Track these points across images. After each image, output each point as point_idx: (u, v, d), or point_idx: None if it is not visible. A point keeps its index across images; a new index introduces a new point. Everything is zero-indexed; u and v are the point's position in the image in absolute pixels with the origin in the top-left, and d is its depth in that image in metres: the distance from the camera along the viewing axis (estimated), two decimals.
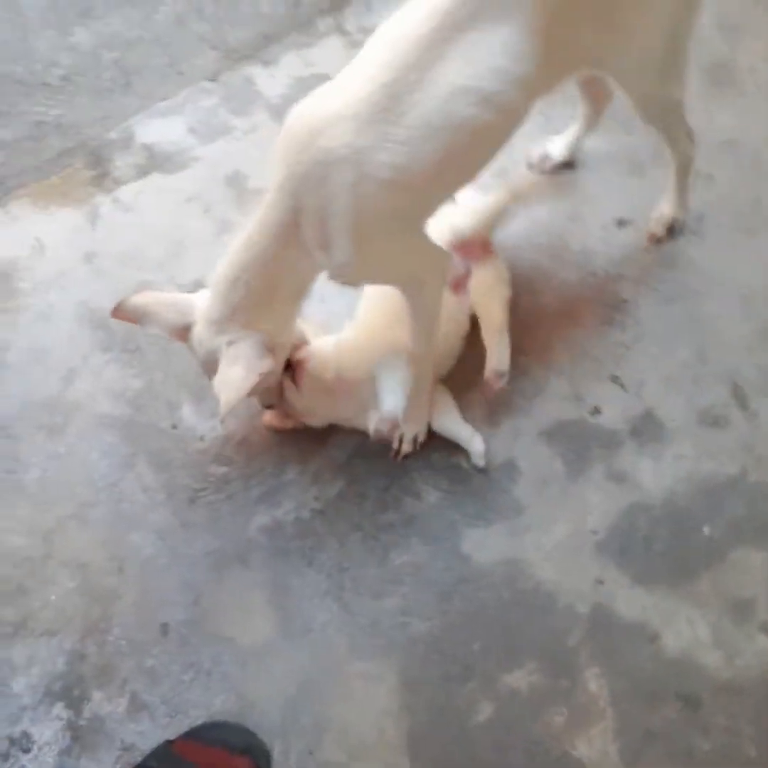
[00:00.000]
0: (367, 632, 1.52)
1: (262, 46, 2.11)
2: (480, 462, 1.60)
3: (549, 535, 1.58)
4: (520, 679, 1.48)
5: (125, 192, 1.97)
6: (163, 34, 2.17)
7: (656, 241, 1.75)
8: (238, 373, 1.33)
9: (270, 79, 2.07)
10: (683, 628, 1.50)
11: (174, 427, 1.71)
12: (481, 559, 1.57)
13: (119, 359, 1.79)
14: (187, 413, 1.72)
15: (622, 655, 1.49)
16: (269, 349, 1.38)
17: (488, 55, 1.18)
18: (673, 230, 1.76)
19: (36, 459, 1.70)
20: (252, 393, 1.39)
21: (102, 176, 2.00)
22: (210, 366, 1.41)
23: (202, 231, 1.89)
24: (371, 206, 1.23)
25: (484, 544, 1.58)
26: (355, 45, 2.07)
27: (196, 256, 1.86)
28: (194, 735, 1.42)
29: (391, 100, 1.19)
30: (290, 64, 2.08)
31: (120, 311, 1.49)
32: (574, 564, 1.55)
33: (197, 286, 1.82)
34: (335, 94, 1.25)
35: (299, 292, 1.41)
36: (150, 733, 1.46)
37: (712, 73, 1.93)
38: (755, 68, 1.93)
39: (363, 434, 1.61)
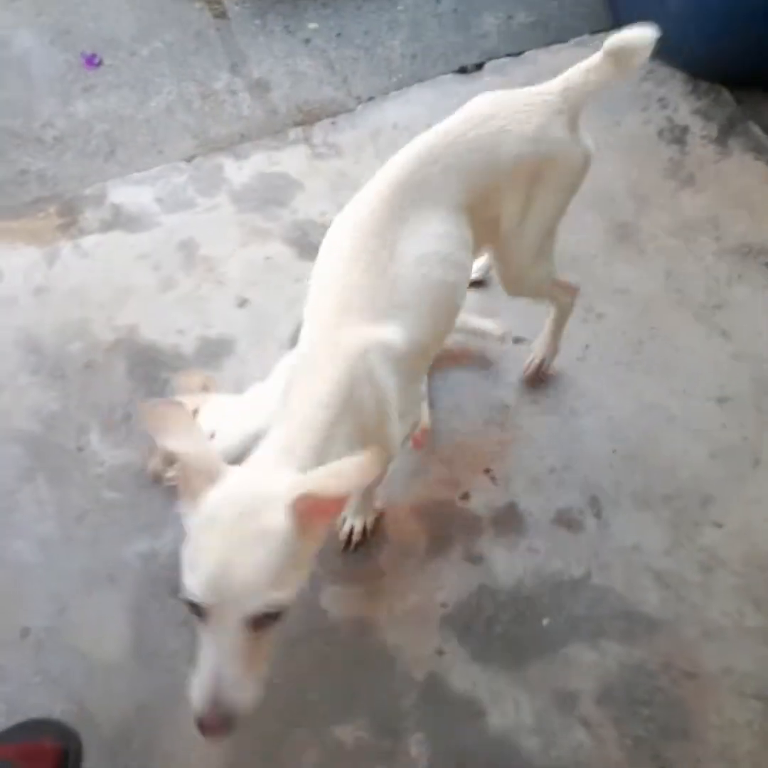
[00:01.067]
0: None
1: (236, 142, 2.38)
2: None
3: (402, 601, 1.69)
4: (348, 732, 1.55)
5: (87, 241, 2.17)
6: (152, 117, 2.44)
7: (527, 372, 1.97)
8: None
9: (237, 170, 2.32)
10: (509, 709, 1.59)
11: (79, 449, 1.84)
12: (336, 615, 1.67)
13: (43, 383, 1.93)
14: (95, 439, 1.85)
15: (447, 726, 1.57)
16: None
17: (437, 227, 1.40)
18: (540, 368, 1.96)
19: None
20: None
21: (69, 224, 2.20)
22: None
23: (147, 284, 2.09)
24: (405, 376, 1.36)
25: (341, 601, 1.68)
26: (319, 157, 2.35)
27: (137, 305, 2.05)
28: (4, 738, 1.47)
29: (377, 278, 1.31)
30: (258, 161, 2.34)
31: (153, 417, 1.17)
32: (420, 632, 1.66)
33: (129, 329, 2.00)
34: (334, 294, 1.31)
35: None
36: None
37: (618, 231, 2.20)
38: (656, 235, 2.21)
39: None
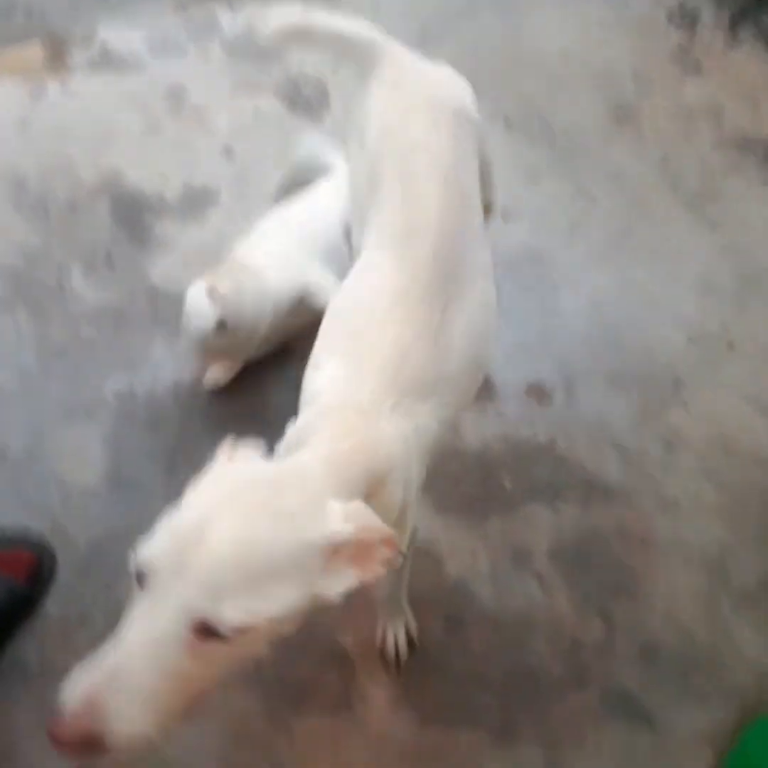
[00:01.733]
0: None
1: None
2: None
3: None
4: None
5: (74, 79, 2.12)
6: None
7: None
8: None
9: (231, 20, 2.24)
10: (466, 559, 1.65)
11: (61, 287, 1.83)
12: None
13: (26, 218, 1.91)
14: (76, 278, 1.84)
15: None
16: None
17: (481, 296, 1.18)
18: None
19: None
20: None
21: (56, 62, 2.14)
22: None
23: (133, 128, 2.05)
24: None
25: None
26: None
27: (122, 148, 2.02)
28: None
29: (429, 348, 1.08)
30: (253, 12, 2.26)
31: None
32: None
33: (113, 172, 1.97)
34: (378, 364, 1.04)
35: None
36: None
37: (617, 113, 2.18)
38: (655, 120, 2.18)
39: None
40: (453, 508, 1.70)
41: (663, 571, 1.64)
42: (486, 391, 1.81)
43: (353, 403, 1.01)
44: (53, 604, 1.52)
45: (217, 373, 1.76)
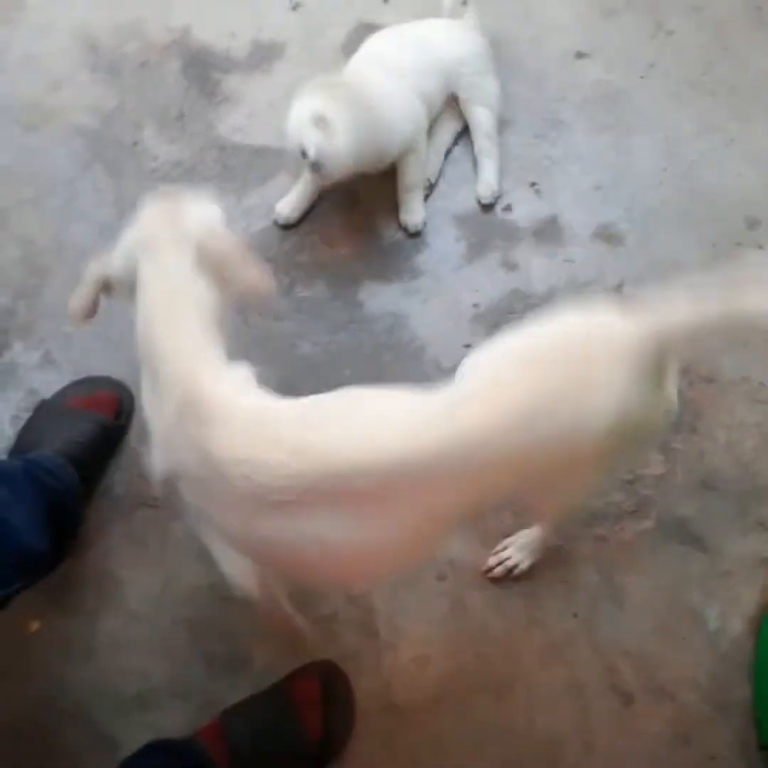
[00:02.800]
0: (260, 344, 1.72)
1: None
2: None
3: (435, 300, 1.76)
4: None
5: None
6: None
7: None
8: None
9: None
10: None
11: (135, 144, 1.90)
12: (372, 308, 1.76)
13: (102, 79, 1.97)
14: (149, 135, 1.90)
15: None
16: None
17: None
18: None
19: (8, 148, 1.90)
20: None
21: None
22: None
23: None
24: None
25: (378, 296, 1.77)
26: None
27: (190, 6, 2.04)
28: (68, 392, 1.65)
29: None
30: None
31: None
32: (450, 327, 1.73)
33: (182, 30, 2.00)
34: None
35: None
36: (54, 385, 1.69)
37: None
38: None
39: None
40: None
41: (725, 406, 1.63)
42: (554, 235, 1.80)
43: None
44: (139, 442, 1.63)
45: (288, 207, 1.78)
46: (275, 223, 1.81)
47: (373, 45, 1.75)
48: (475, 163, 1.84)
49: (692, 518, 1.55)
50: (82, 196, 1.86)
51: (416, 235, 1.80)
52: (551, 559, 1.52)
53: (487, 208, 1.82)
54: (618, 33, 1.97)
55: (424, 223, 1.80)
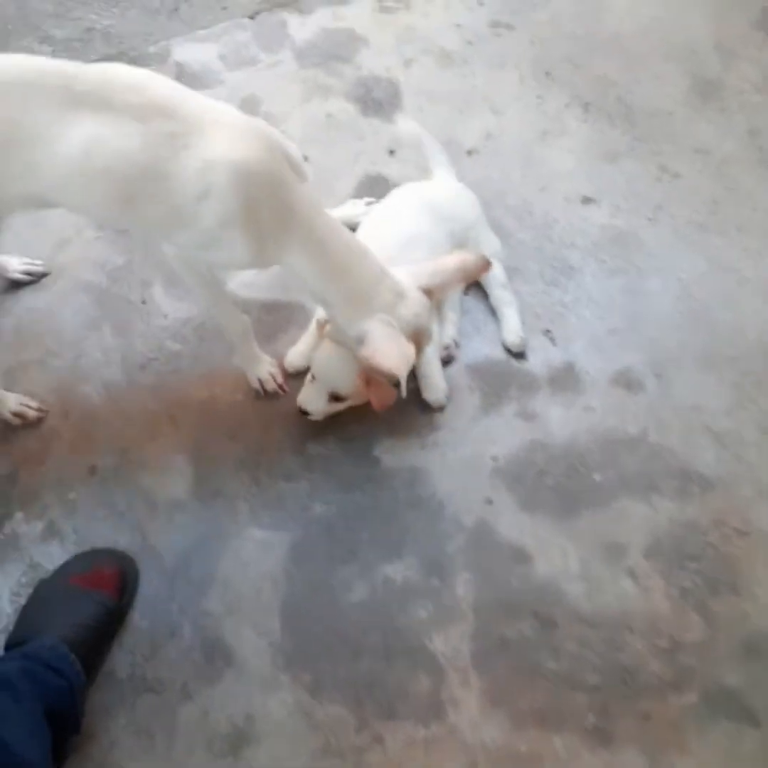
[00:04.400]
0: (271, 506, 1.66)
1: None
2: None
3: (454, 453, 1.71)
4: (397, 571, 1.60)
5: None
6: None
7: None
8: None
9: (301, 26, 2.27)
10: (555, 557, 1.61)
11: (143, 302, 1.88)
12: (389, 463, 1.70)
13: (108, 238, 1.97)
14: (158, 293, 1.89)
15: (493, 569, 1.60)
16: None
17: None
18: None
19: (16, 309, 1.89)
20: None
21: None
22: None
23: None
24: None
25: (395, 451, 1.71)
26: (385, 10, 2.26)
27: None
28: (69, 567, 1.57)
29: None
30: (322, 17, 2.28)
31: None
32: (470, 482, 1.68)
33: None
34: None
35: None
36: (57, 558, 1.61)
37: (700, 88, 2.08)
38: (741, 91, 2.07)
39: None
40: (539, 505, 1.65)
41: (764, 561, 1.56)
42: (571, 383, 1.76)
43: None
44: (143, 618, 1.55)
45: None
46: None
47: (386, 211, 1.80)
48: (491, 313, 1.83)
49: (739, 688, 1.45)
50: (89, 355, 1.82)
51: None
52: (591, 741, 1.41)
53: (519, 356, 1.80)
54: (623, 177, 1.99)
55: (448, 398, 1.77)
